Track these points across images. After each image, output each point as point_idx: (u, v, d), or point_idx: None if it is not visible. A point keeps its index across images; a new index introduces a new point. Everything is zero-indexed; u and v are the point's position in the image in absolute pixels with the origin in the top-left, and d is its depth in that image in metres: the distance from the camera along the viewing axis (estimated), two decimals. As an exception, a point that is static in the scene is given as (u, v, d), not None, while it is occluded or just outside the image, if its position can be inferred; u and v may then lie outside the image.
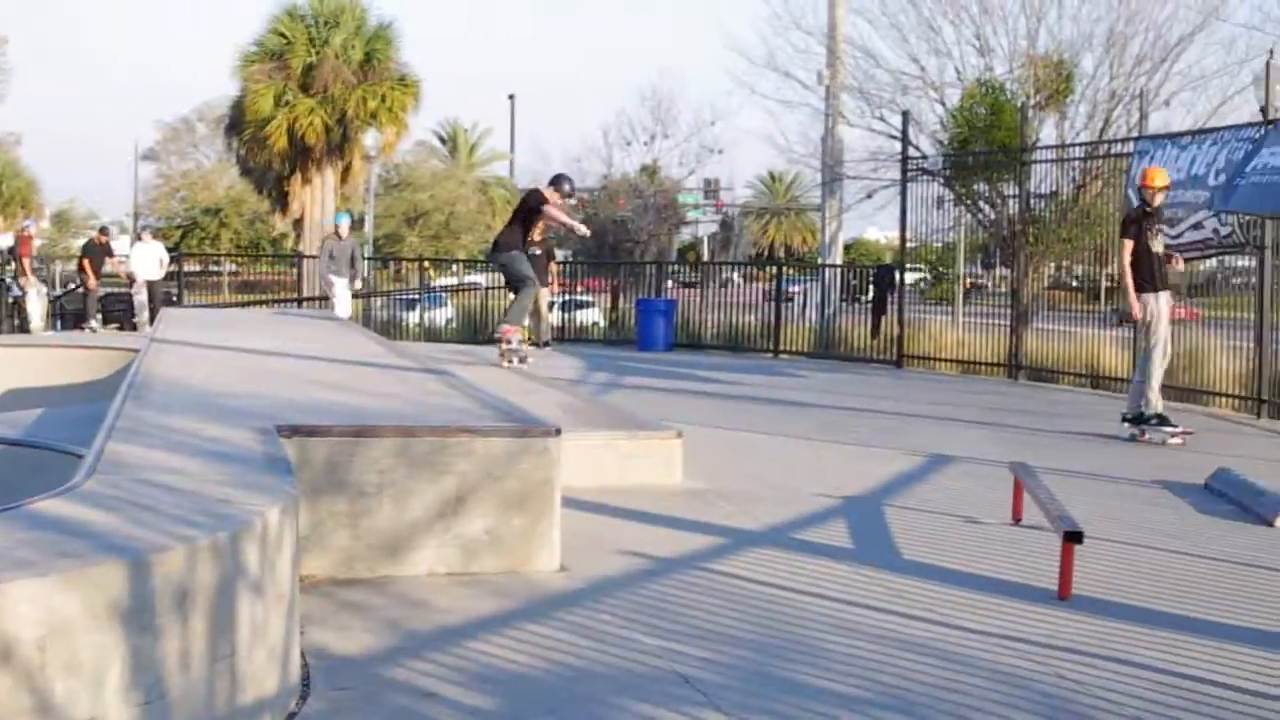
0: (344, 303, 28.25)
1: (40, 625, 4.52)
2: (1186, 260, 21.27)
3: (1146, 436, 15.42)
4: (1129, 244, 15.43)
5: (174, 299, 34.95)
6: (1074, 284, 29.86)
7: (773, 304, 30.19)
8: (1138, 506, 11.42)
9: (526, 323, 25.79)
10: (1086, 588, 8.42)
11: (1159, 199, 15.70)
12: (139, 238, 34.45)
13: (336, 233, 29.69)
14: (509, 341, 18.13)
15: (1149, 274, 15.27)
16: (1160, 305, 15.29)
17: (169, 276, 35.02)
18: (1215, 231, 18.79)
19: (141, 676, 4.83)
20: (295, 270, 42.66)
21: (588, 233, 19.62)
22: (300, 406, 9.53)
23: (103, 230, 36.24)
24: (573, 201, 20.84)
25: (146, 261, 32.82)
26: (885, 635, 7.43)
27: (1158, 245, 15.43)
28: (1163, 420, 15.43)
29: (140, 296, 32.33)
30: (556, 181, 18.88)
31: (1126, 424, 15.79)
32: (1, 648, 4.42)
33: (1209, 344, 20.60)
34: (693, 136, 47.37)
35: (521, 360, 17.94)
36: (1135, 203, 20.40)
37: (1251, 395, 18.86)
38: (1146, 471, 13.21)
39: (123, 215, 77.20)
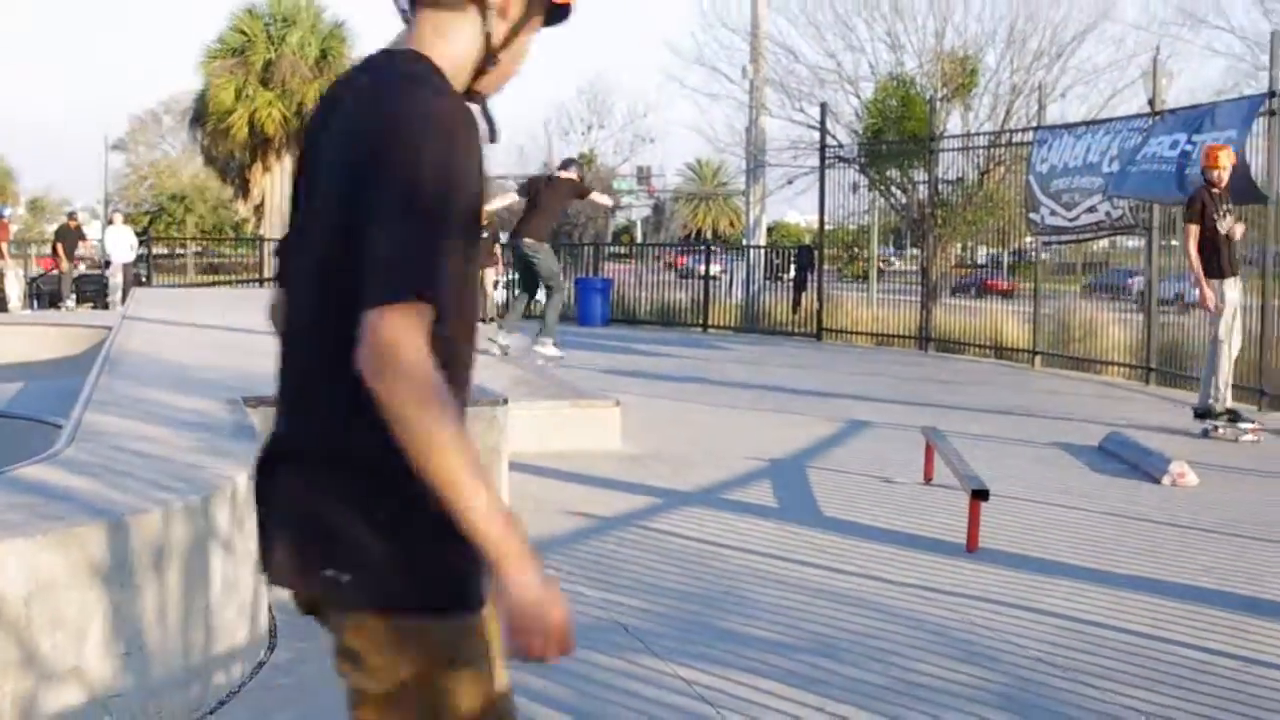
0: None
1: (26, 583, 4.51)
2: (1080, 240, 21.46)
3: (1220, 432, 13.28)
4: (1194, 228, 13.15)
5: (143, 280, 34.72)
6: (979, 263, 30.03)
7: (701, 281, 30.23)
8: (1038, 467, 11.50)
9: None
10: (992, 541, 8.48)
11: (1224, 178, 13.33)
12: (110, 223, 33.95)
13: None
14: (551, 356, 16.87)
15: (1217, 258, 13.06)
16: (1231, 292, 13.14)
17: (138, 259, 34.67)
18: (1108, 214, 18.91)
19: (122, 629, 4.83)
20: (256, 252, 42.35)
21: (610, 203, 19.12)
22: (264, 378, 9.41)
23: (73, 215, 36.08)
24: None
25: (118, 245, 32.56)
26: (808, 586, 7.47)
27: (1225, 226, 13.14)
28: (1234, 416, 13.33)
29: (115, 278, 31.97)
30: (570, 165, 18.34)
31: (1197, 420, 13.53)
32: (-10, 604, 4.41)
33: (1103, 317, 20.74)
34: (627, 127, 47.51)
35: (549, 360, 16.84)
36: (1035, 189, 20.61)
37: (1141, 364, 19.00)
38: (1046, 435, 13.30)
39: (94, 202, 76.54)
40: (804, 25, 36.27)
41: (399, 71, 2.68)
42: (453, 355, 2.64)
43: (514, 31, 2.81)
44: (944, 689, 5.80)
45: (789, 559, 8.09)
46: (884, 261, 32.61)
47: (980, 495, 8.54)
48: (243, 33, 53.36)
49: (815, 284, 26.70)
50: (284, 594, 6.29)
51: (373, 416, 2.46)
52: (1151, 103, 19.37)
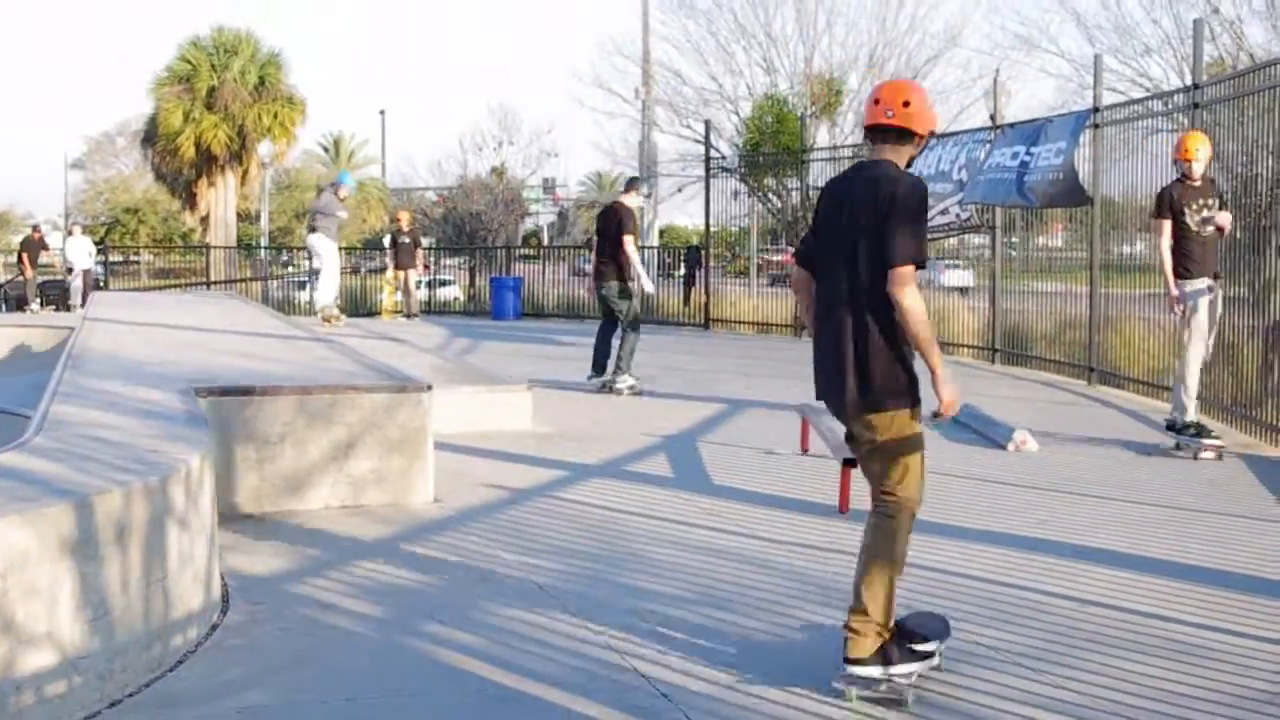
0: (332, 266, 20.11)
1: (1, 558, 4.44)
2: (934, 239, 21.63)
3: (1179, 449, 10.88)
4: (1164, 224, 10.78)
5: (101, 284, 34.28)
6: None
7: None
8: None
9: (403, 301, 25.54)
10: (861, 504, 8.51)
11: (1198, 169, 10.75)
12: (70, 233, 33.33)
13: (337, 192, 20.14)
14: (631, 388, 14.36)
15: (1188, 258, 10.72)
16: (1203, 296, 10.73)
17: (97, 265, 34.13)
18: (958, 216, 19.08)
19: (89, 598, 4.77)
20: (204, 259, 41.90)
21: (650, 289, 16.33)
22: (214, 372, 9.40)
23: (36, 228, 35.59)
24: (643, 198, 16.77)
25: (78, 253, 32.09)
26: (701, 546, 7.50)
27: (1200, 224, 10.69)
28: (1200, 431, 10.93)
29: (76, 282, 31.41)
30: (634, 184, 15.61)
31: (1168, 433, 11.15)
32: (-32, 578, 4.34)
33: (954, 304, 20.94)
34: (534, 143, 47.24)
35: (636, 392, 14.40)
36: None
37: (987, 345, 19.21)
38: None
39: (55, 215, 75.37)
40: (689, 52, 36.50)
41: (888, 169, 5.23)
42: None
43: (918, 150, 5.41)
44: (820, 634, 5.84)
45: (683, 522, 8.12)
46: (763, 259, 32.65)
47: (850, 463, 8.56)
48: (189, 62, 52.81)
49: (703, 280, 26.77)
50: (233, 563, 6.24)
51: (884, 317, 5.11)
52: (993, 117, 19.62)
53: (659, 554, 7.30)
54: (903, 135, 5.22)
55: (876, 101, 5.25)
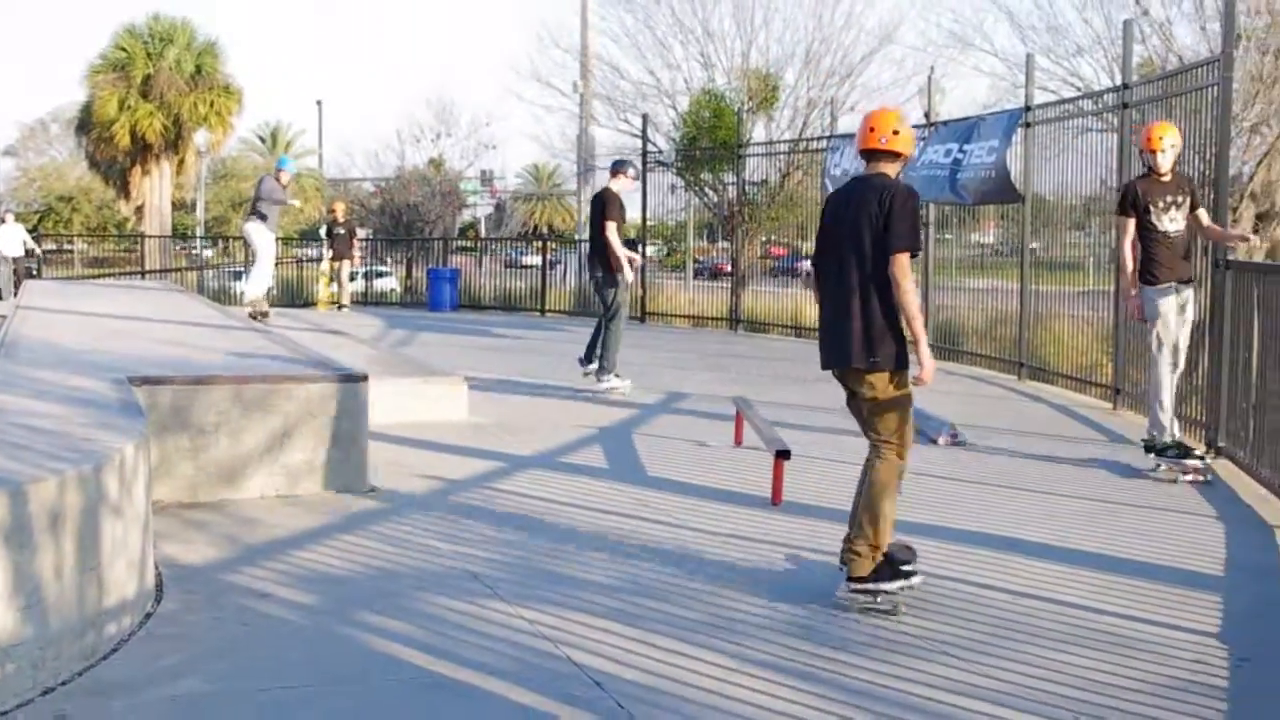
0: (267, 257, 19.41)
1: (-67, 545, 4.42)
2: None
3: (1162, 469, 9.70)
4: (1127, 222, 9.79)
5: (34, 273, 33.89)
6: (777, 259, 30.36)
7: (538, 270, 30.24)
8: (834, 430, 11.64)
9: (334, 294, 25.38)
10: (794, 496, 8.61)
11: (1165, 162, 9.70)
12: (2, 221, 32.87)
13: (278, 178, 19.65)
14: (612, 390, 13.59)
15: (1152, 260, 9.71)
16: (1167, 302, 9.65)
17: (28, 253, 33.68)
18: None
19: (22, 585, 4.75)
20: (138, 248, 41.52)
21: (629, 278, 14.05)
22: (148, 360, 9.34)
23: None
24: (634, 184, 15.27)
25: (10, 241, 31.73)
26: (635, 536, 7.54)
27: (1167, 222, 9.68)
28: (1183, 451, 9.75)
29: (4, 270, 31.06)
30: (621, 166, 14.43)
31: (1148, 454, 9.87)
32: (-100, 564, 4.31)
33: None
34: (471, 135, 47.13)
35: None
36: (830, 190, 20.80)
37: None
38: (838, 402, 13.38)
39: (-13, 202, 74.74)
40: (627, 46, 36.35)
41: (885, 180, 6.42)
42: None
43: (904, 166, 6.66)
44: (751, 623, 5.90)
45: (617, 513, 8.15)
46: (701, 253, 32.76)
47: (783, 455, 8.67)
48: (124, 50, 52.46)
49: (638, 272, 26.79)
50: (168, 552, 6.22)
51: (885, 296, 6.27)
52: (928, 115, 19.77)
53: (593, 544, 7.33)
54: (893, 155, 6.49)
55: (872, 129, 6.52)
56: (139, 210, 53.40)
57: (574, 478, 9.27)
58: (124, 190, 54.42)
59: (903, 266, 6.25)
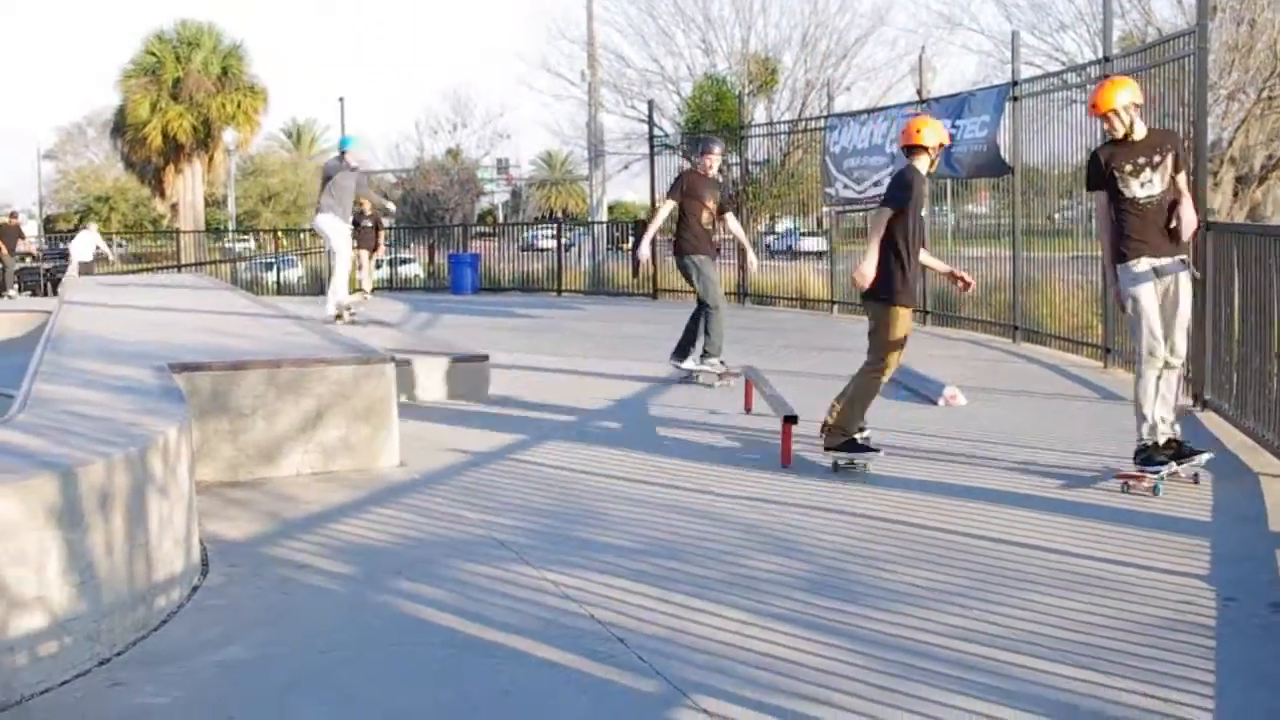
0: (344, 254, 16.31)
1: (-9, 527, 4.48)
2: (868, 209, 21.73)
3: (1176, 468, 7.73)
4: (1099, 196, 8.03)
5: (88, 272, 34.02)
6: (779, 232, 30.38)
7: (554, 253, 30.27)
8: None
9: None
10: (803, 458, 8.65)
11: (1120, 124, 7.81)
12: (84, 227, 32.53)
13: (343, 159, 16.04)
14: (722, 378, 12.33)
15: (1125, 234, 7.85)
16: (1144, 290, 7.78)
17: (98, 258, 33.30)
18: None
19: (75, 562, 4.80)
20: (174, 243, 41.64)
21: (644, 255, 13.51)
22: (187, 349, 9.40)
23: (13, 214, 35.18)
24: (709, 162, 12.57)
25: (84, 246, 31.55)
26: (652, 501, 7.58)
27: (1138, 188, 7.78)
28: (1179, 451, 7.80)
29: (72, 271, 30.74)
30: (706, 146, 12.81)
31: (1139, 467, 7.82)
32: (-39, 546, 4.37)
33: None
34: (486, 125, 47.25)
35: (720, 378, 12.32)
36: (831, 168, 20.78)
37: (919, 308, 19.28)
38: (843, 369, 13.45)
39: (30, 204, 74.76)
40: (632, 35, 36.51)
41: (904, 167, 8.48)
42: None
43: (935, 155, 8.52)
44: (765, 578, 5.94)
45: (635, 479, 8.20)
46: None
47: (791, 420, 8.71)
48: (154, 54, 52.59)
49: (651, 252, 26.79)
50: (211, 529, 6.28)
51: (886, 245, 8.39)
52: (919, 92, 19.71)
53: (612, 509, 7.38)
54: (919, 149, 8.43)
55: (904, 131, 8.57)
56: (173, 207, 53.55)
57: (593, 447, 9.30)
58: (158, 189, 54.56)
59: (880, 214, 8.45)
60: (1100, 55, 14.27)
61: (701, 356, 12.55)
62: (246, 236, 48.87)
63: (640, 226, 28.27)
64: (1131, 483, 7.77)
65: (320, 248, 36.33)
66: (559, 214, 73.49)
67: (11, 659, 4.53)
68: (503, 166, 61.10)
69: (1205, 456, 7.90)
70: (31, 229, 47.40)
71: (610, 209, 38.11)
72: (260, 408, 8.33)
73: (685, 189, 12.46)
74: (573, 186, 77.19)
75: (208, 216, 55.84)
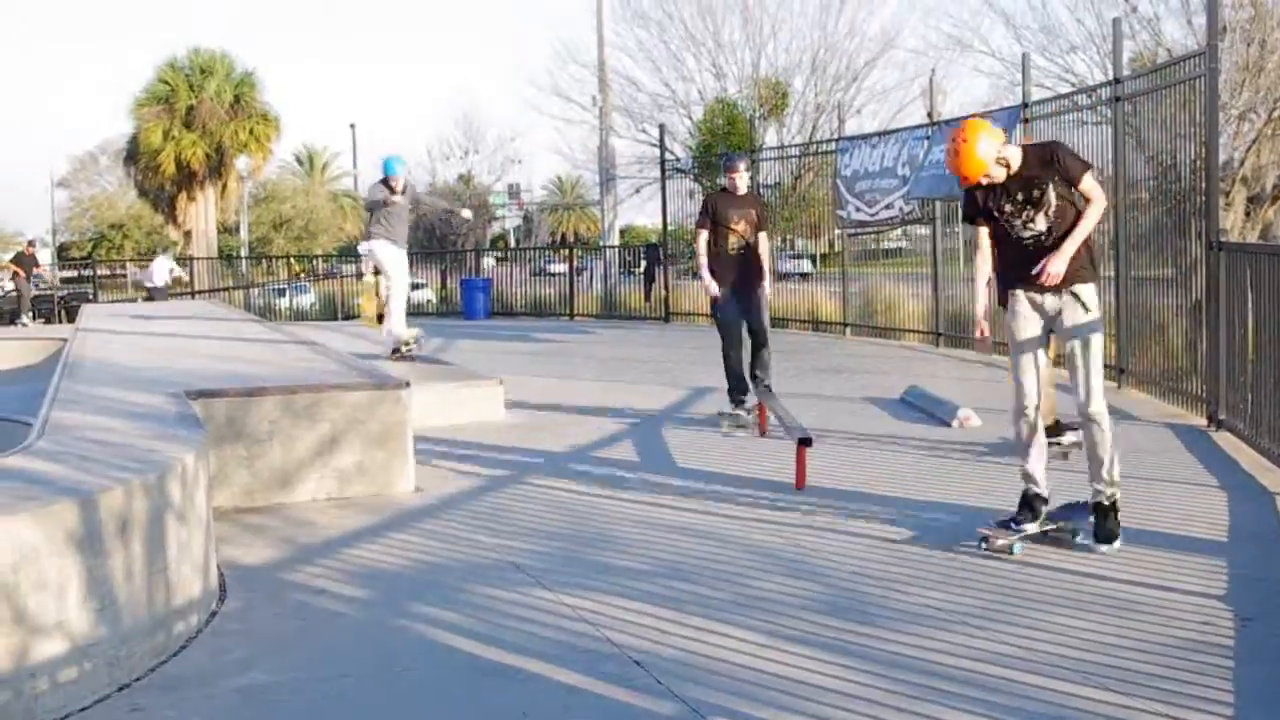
0: (401, 283, 14.75)
1: (12, 553, 4.51)
2: (879, 232, 21.78)
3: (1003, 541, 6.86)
4: (979, 232, 7.29)
5: (89, 297, 34.10)
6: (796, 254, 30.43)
7: (566, 277, 30.33)
8: (851, 418, 11.70)
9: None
10: (816, 480, 8.65)
11: (998, 173, 6.89)
12: (160, 252, 32.53)
13: (387, 184, 14.38)
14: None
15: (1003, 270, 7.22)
16: (1015, 308, 7.15)
17: (175, 281, 33.17)
18: (901, 210, 19.26)
19: (95, 588, 4.83)
20: (188, 270, 41.75)
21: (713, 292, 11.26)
22: (203, 375, 9.44)
23: (30, 243, 35.41)
24: (734, 180, 11.40)
25: (160, 272, 31.61)
26: (666, 523, 7.59)
27: (1021, 228, 6.94)
28: (1028, 507, 7.11)
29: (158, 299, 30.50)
30: (729, 163, 11.64)
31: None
32: (-18, 573, 4.40)
33: (900, 293, 21.07)
34: (498, 150, 47.33)
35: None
36: (842, 190, 20.82)
37: (931, 330, 19.36)
38: (856, 392, 13.53)
39: (43, 232, 75.12)
40: (643, 60, 36.56)
41: None
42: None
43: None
44: (779, 600, 5.95)
45: (650, 503, 8.21)
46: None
47: (805, 442, 8.72)
48: (166, 83, 52.80)
49: (662, 276, 26.88)
50: (228, 554, 6.30)
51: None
52: (930, 115, 19.77)
53: (627, 532, 7.40)
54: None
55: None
56: (186, 234, 53.68)
57: (607, 471, 9.31)
58: (171, 216, 54.74)
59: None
60: (1111, 77, 14.29)
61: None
62: (261, 263, 48.94)
63: (651, 251, 28.39)
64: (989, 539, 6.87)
65: (329, 273, 36.48)
66: (570, 238, 73.64)
67: (33, 684, 4.56)
68: (514, 191, 61.23)
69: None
70: (45, 257, 47.54)
71: (622, 233, 38.13)
72: (276, 434, 8.36)
73: (713, 214, 11.25)
74: (584, 211, 77.34)
75: (221, 243, 55.99)
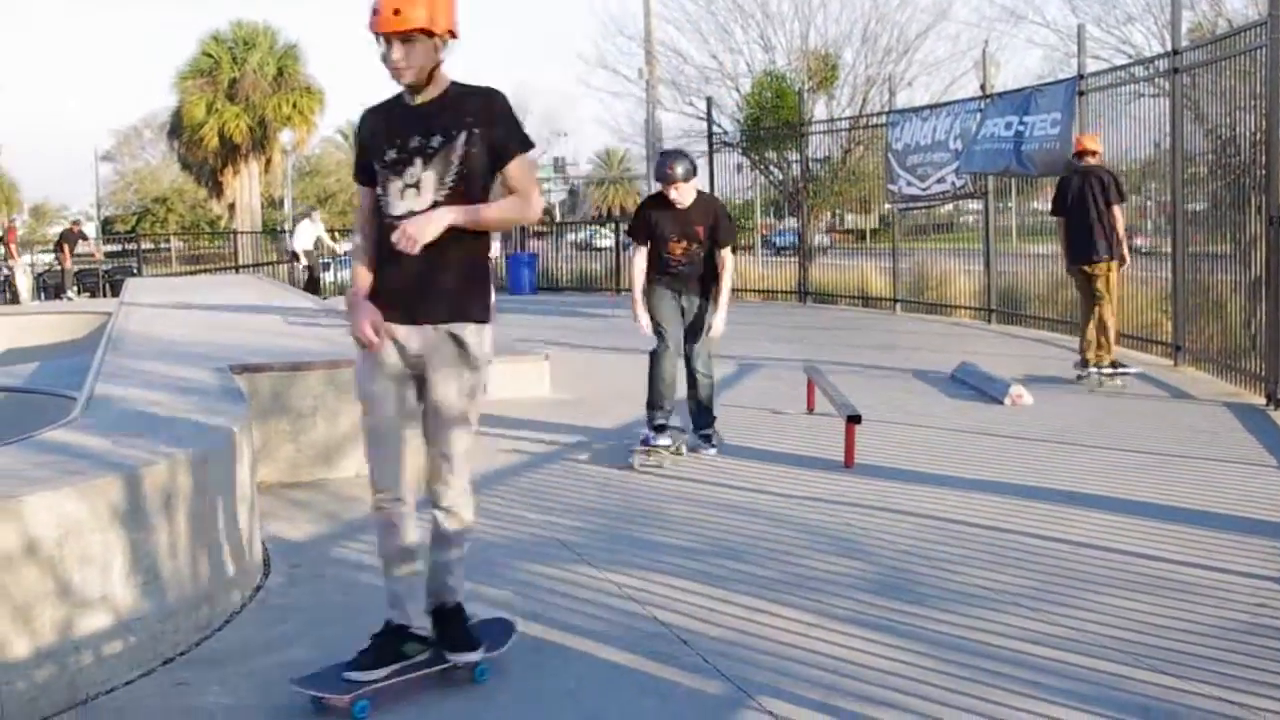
0: None
1: (57, 527, 4.55)
2: (930, 206, 21.67)
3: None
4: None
5: (134, 271, 34.35)
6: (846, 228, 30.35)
7: (612, 252, 30.33)
8: (901, 394, 11.66)
9: None
10: (865, 458, 8.63)
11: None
12: (308, 217, 30.62)
13: None
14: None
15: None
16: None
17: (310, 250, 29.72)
18: (953, 184, 19.16)
19: (140, 563, 4.87)
20: (232, 244, 42.00)
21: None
22: (246, 349, 9.49)
23: (75, 221, 35.74)
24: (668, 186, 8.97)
25: (305, 237, 29.28)
26: (713, 501, 7.59)
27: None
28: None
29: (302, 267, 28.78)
30: (661, 169, 8.95)
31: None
32: (28, 546, 4.44)
33: (952, 268, 20.96)
34: (544, 124, 47.41)
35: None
36: (894, 164, 20.74)
37: (983, 306, 19.25)
38: (906, 366, 13.48)
39: (87, 206, 75.68)
40: (690, 31, 36.33)
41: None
42: None
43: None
44: (828, 579, 5.94)
45: (696, 480, 8.21)
46: (767, 229, 32.66)
47: (854, 420, 8.69)
48: (210, 56, 52.99)
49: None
50: (272, 529, 6.33)
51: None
52: (983, 87, 19.59)
53: (674, 510, 7.40)
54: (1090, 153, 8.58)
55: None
56: (230, 208, 53.98)
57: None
58: (215, 190, 55.03)
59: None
60: (1169, 48, 14.14)
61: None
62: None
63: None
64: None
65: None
66: (616, 212, 73.63)
67: (77, 658, 4.61)
68: (560, 165, 61.25)
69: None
70: (90, 230, 47.89)
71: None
72: (320, 408, 8.41)
73: (650, 230, 9.06)
74: (631, 184, 77.24)
75: (264, 217, 56.28)
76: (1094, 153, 12.17)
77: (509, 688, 4.72)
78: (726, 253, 9.08)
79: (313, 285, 27.18)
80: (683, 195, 8.88)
